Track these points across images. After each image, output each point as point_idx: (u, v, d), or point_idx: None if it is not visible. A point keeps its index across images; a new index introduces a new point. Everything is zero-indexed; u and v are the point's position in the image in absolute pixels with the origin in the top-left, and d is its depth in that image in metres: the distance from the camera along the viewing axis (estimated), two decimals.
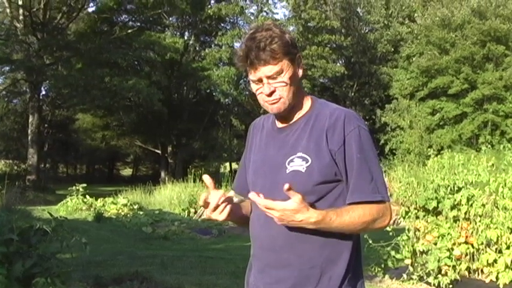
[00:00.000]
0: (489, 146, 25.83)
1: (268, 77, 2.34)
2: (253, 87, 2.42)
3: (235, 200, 2.56)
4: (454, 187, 8.31)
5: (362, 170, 2.33)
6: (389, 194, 2.40)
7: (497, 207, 7.76)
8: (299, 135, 2.41)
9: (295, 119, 2.47)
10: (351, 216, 2.27)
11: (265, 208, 2.19)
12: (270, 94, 2.37)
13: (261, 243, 2.45)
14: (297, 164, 2.35)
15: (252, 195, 2.22)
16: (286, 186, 2.12)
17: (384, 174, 2.47)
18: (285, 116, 2.46)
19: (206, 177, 2.45)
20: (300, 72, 2.43)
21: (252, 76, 2.38)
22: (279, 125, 2.51)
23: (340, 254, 2.35)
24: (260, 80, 2.37)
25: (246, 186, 2.63)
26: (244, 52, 2.34)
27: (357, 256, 2.44)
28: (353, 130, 2.34)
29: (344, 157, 2.33)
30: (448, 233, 7.73)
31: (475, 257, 7.63)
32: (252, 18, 40.90)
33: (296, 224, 2.21)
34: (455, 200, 7.91)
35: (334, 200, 2.35)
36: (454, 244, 7.61)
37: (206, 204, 2.39)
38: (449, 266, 7.45)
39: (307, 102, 2.49)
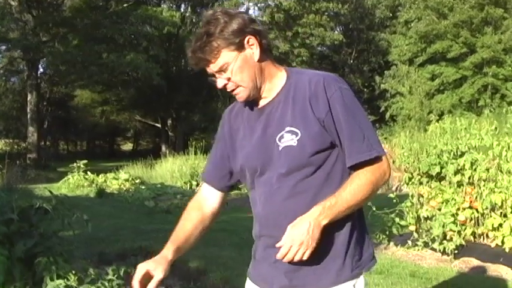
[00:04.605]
0: (492, 109, 25.80)
1: (218, 71, 2.33)
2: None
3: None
4: (457, 152, 8.28)
5: (353, 130, 2.29)
6: (391, 160, 2.35)
7: (501, 171, 7.74)
8: (282, 109, 2.36)
9: (274, 95, 2.41)
10: (350, 190, 2.25)
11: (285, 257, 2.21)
12: (224, 87, 2.36)
13: (265, 220, 2.41)
14: (288, 139, 2.30)
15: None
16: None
17: (374, 129, 2.40)
18: (259, 96, 2.42)
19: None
20: (257, 51, 2.34)
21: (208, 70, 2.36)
22: (260, 103, 2.45)
23: (344, 221, 2.31)
24: (214, 75, 2.36)
25: (218, 174, 2.63)
26: (190, 53, 2.33)
27: (360, 220, 2.43)
28: (335, 92, 2.29)
29: (333, 121, 2.28)
30: (452, 198, 7.71)
31: (479, 221, 7.62)
32: None
33: (317, 235, 2.21)
34: (458, 164, 7.89)
35: (331, 166, 2.32)
36: (458, 209, 7.59)
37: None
38: (454, 231, 7.44)
39: (281, 75, 2.43)
